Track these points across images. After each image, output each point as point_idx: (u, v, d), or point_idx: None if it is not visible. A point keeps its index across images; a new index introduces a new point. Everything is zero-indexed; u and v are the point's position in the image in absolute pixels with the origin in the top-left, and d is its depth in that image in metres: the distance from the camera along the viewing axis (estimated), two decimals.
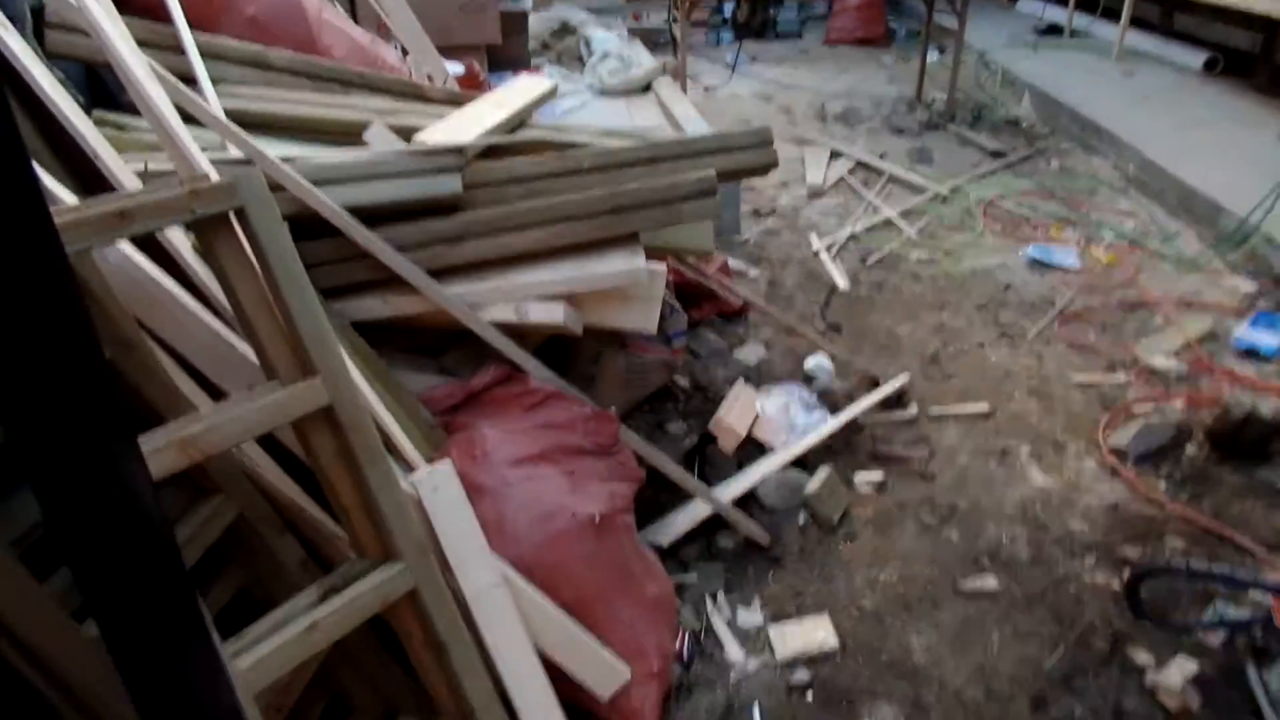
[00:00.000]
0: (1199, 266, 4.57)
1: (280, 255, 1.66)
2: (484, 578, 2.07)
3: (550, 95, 3.71)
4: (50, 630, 1.43)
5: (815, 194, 5.79)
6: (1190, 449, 3.16)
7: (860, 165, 6.22)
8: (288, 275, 1.67)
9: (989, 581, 2.73)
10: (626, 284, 2.66)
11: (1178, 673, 2.36)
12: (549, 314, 2.60)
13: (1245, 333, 3.80)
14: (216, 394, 2.04)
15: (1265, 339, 3.73)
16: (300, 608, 1.68)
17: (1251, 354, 3.73)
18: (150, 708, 1.25)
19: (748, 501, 3.05)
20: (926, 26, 7.55)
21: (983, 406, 3.57)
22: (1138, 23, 7.99)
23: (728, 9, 10.12)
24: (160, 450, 1.46)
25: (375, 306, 2.63)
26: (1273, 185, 4.46)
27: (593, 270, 2.62)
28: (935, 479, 3.23)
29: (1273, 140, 5.65)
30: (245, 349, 1.98)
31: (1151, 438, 3.20)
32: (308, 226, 2.45)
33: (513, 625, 2.07)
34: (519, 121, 3.31)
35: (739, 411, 3.31)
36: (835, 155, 6.38)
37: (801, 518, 3.04)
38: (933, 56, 7.91)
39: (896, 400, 3.65)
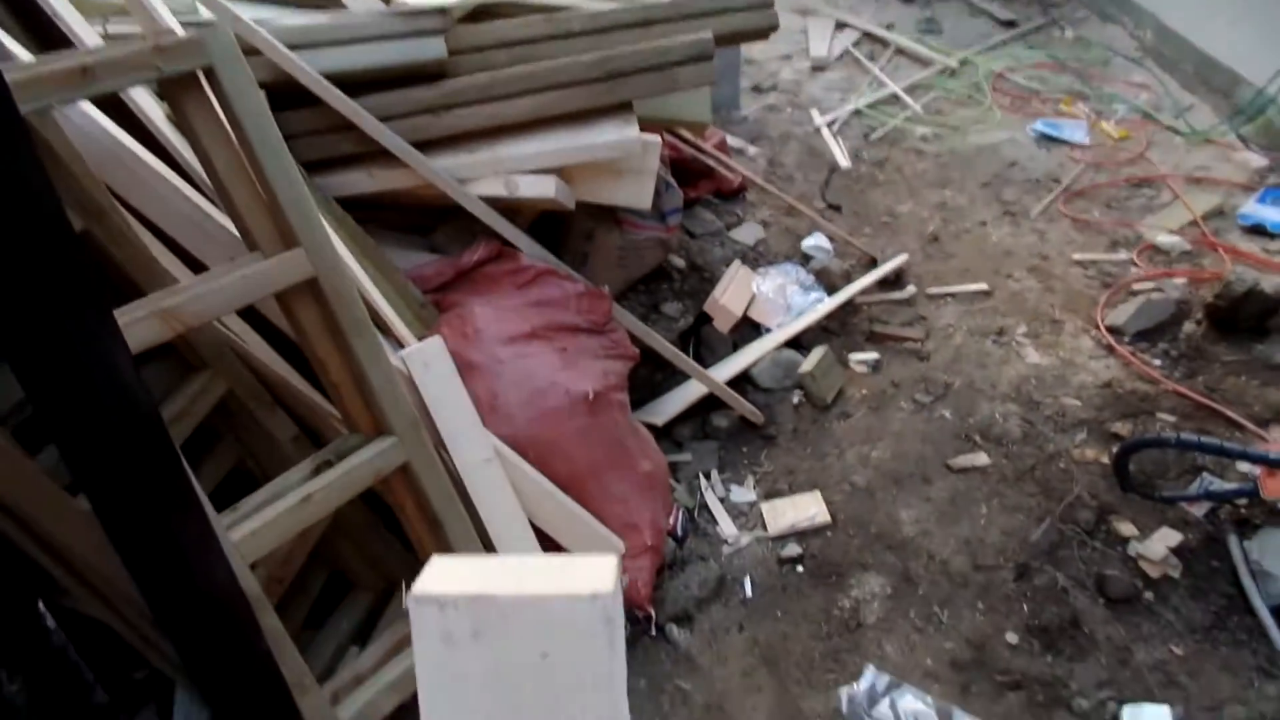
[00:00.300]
0: (1211, 141, 4.43)
1: (254, 119, 1.58)
2: (477, 452, 2.08)
3: None
4: (44, 504, 1.43)
5: (819, 67, 5.56)
6: (1189, 326, 3.13)
7: (866, 36, 5.95)
8: (263, 141, 1.60)
9: (980, 458, 2.76)
10: (619, 156, 2.57)
11: (1160, 543, 2.41)
12: (540, 188, 2.52)
13: (1252, 208, 3.72)
14: (198, 269, 2.00)
15: (1272, 215, 3.65)
16: (294, 481, 1.69)
17: (1258, 230, 3.65)
18: (145, 575, 1.27)
19: (742, 381, 3.05)
20: None
21: (981, 285, 3.52)
22: None
23: None
24: (140, 321, 1.43)
25: (360, 181, 2.55)
26: None
27: (584, 141, 2.52)
28: (931, 358, 3.22)
29: None
30: (225, 221, 1.92)
31: (1150, 315, 3.17)
32: (284, 95, 2.34)
33: (507, 499, 2.09)
34: None
35: (735, 292, 3.27)
36: (840, 26, 6.10)
37: (796, 397, 3.05)
38: None
39: (895, 280, 3.60)
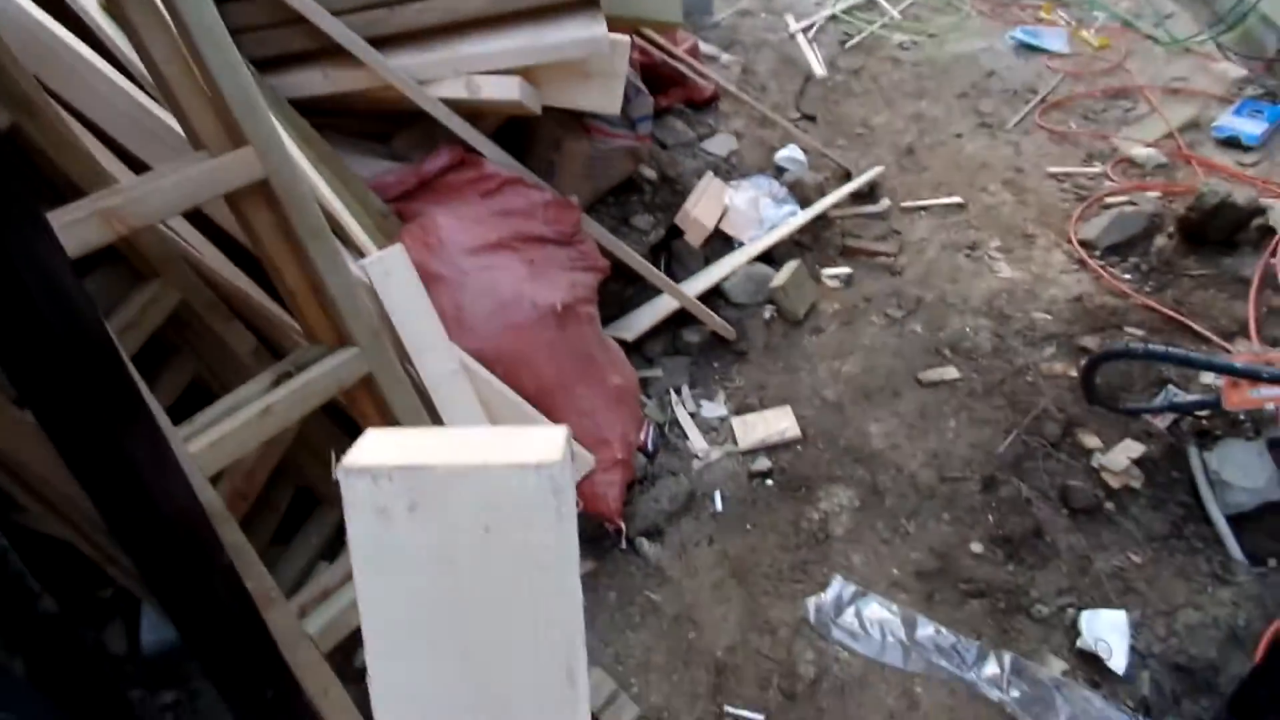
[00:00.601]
0: (1190, 50, 4.36)
1: (194, 6, 1.46)
2: (442, 364, 2.03)
3: None
4: None
5: None
6: (1160, 240, 3.13)
7: None
8: (204, 31, 1.48)
9: (949, 371, 2.76)
10: (586, 56, 2.45)
11: (1123, 455, 2.45)
12: (503, 89, 2.41)
13: (1228, 120, 3.69)
14: (142, 172, 1.88)
15: (1247, 127, 3.62)
16: (253, 393, 1.63)
17: (1232, 143, 3.63)
18: (98, 491, 1.21)
19: (714, 296, 3.01)
20: None
21: (956, 199, 3.48)
22: None
23: None
24: (78, 223, 1.34)
25: (314, 81, 2.42)
26: None
27: (549, 40, 2.40)
28: (903, 272, 3.19)
29: None
30: (168, 118, 1.80)
31: (1123, 229, 3.16)
32: None
33: (473, 412, 2.05)
34: None
35: (707, 204, 3.20)
36: None
37: (768, 312, 3.01)
38: None
39: (869, 193, 3.55)
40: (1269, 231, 2.96)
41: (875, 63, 4.43)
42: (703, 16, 4.63)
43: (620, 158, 3.06)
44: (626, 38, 2.58)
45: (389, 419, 1.80)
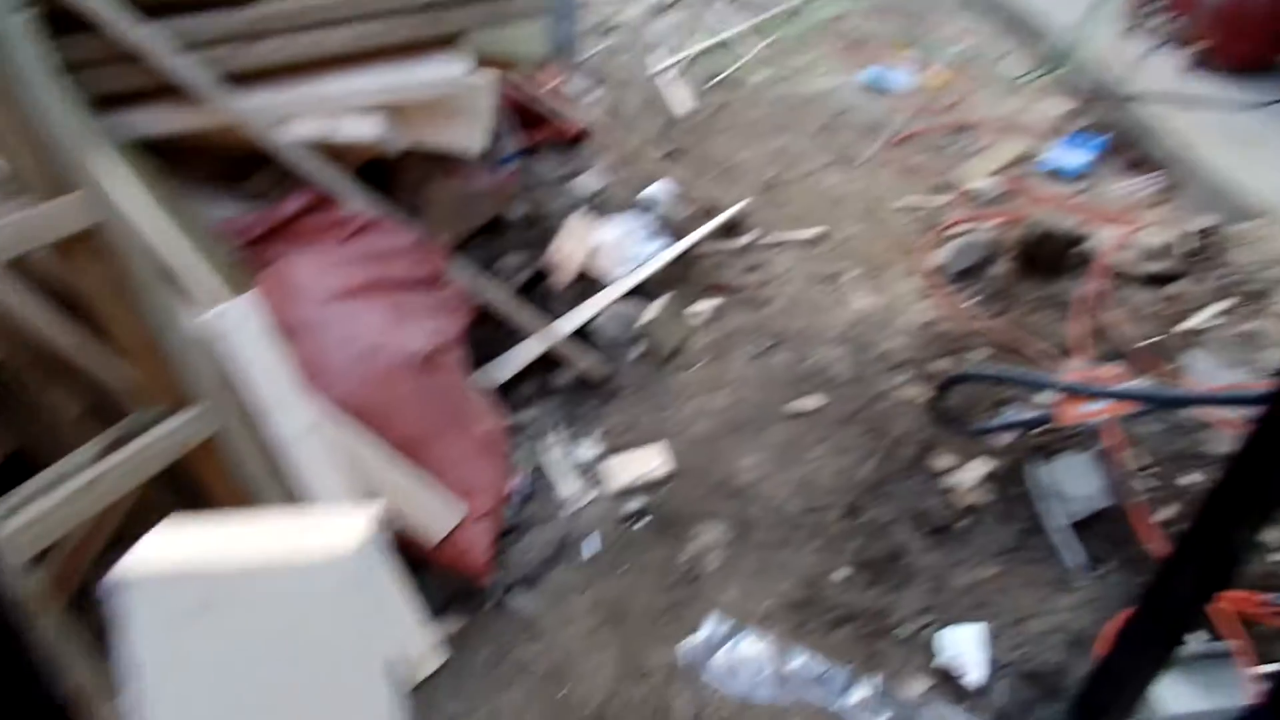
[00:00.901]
0: (1023, 88, 4.70)
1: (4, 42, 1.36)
2: (299, 420, 1.95)
3: None
4: None
5: (660, 9, 5.49)
6: (999, 266, 3.34)
7: None
8: (17, 71, 1.38)
9: (813, 401, 2.86)
10: (449, 94, 2.44)
11: (974, 473, 2.59)
12: (363, 128, 2.37)
13: (1055, 153, 4.00)
14: None
15: (1069, 159, 3.93)
16: (79, 463, 1.52)
17: (1060, 174, 3.93)
18: None
19: (585, 335, 3.02)
20: None
21: (816, 231, 3.62)
22: None
23: None
24: None
25: (156, 120, 2.30)
26: (1091, 2, 4.57)
27: (411, 77, 2.38)
28: (768, 305, 3.29)
29: None
30: None
31: (965, 257, 3.36)
32: (66, 16, 2.06)
33: (330, 472, 1.98)
34: None
35: (576, 243, 3.22)
36: None
37: (638, 350, 3.05)
38: None
39: (734, 227, 3.65)
40: (1089, 258, 3.22)
41: (737, 100, 4.58)
42: (570, 54, 4.68)
43: (487, 197, 3.04)
44: (492, 75, 2.59)
45: (236, 484, 1.71)
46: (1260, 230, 3.24)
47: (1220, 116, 3.95)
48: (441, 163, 2.78)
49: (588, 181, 3.73)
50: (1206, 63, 4.29)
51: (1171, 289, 3.17)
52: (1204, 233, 3.26)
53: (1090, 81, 4.45)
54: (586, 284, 3.23)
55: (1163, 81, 4.24)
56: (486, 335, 2.83)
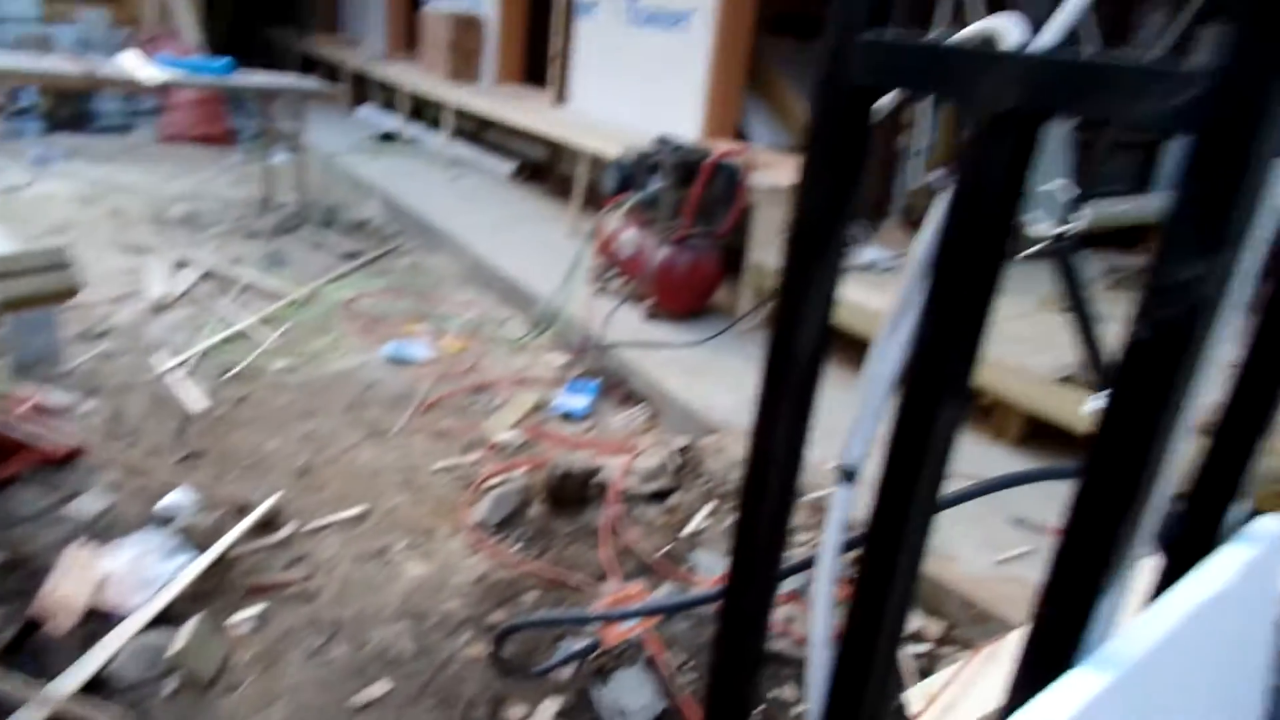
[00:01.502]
0: (526, 346, 5.38)
1: None
2: None
3: None
4: None
5: (160, 308, 5.30)
6: (533, 509, 3.67)
7: (211, 274, 5.90)
8: None
9: (379, 688, 2.77)
10: None
11: (545, 715, 2.70)
12: None
13: (562, 399, 4.60)
14: None
15: (575, 402, 4.56)
16: None
17: (569, 417, 4.51)
18: None
19: (101, 684, 2.60)
20: (268, 128, 7.57)
21: (358, 510, 3.64)
22: (459, 134, 9.26)
23: (26, 97, 8.77)
24: None
25: None
26: (565, 272, 5.51)
27: None
28: (319, 596, 3.17)
29: (564, 234, 6.98)
30: None
31: (503, 506, 3.63)
32: None
33: None
34: None
35: (75, 580, 2.82)
36: (182, 264, 5.95)
37: (172, 684, 2.70)
38: (283, 158, 7.91)
39: (270, 522, 3.51)
40: (605, 486, 3.70)
41: (259, 390, 4.53)
42: (50, 366, 4.26)
43: None
44: None
45: None
46: (721, 441, 4.05)
47: (676, 354, 4.93)
48: None
49: (86, 504, 3.34)
50: (657, 314, 5.39)
51: (671, 501, 3.76)
52: (684, 450, 3.97)
53: (577, 335, 5.27)
54: (98, 623, 2.82)
55: (630, 330, 5.20)
56: None
